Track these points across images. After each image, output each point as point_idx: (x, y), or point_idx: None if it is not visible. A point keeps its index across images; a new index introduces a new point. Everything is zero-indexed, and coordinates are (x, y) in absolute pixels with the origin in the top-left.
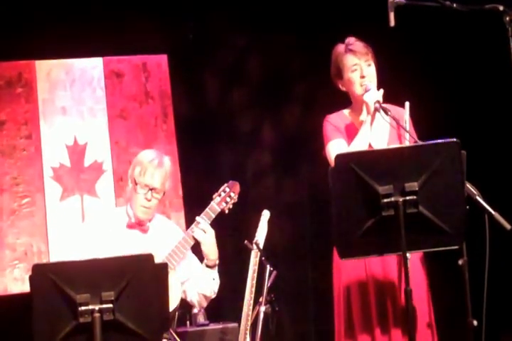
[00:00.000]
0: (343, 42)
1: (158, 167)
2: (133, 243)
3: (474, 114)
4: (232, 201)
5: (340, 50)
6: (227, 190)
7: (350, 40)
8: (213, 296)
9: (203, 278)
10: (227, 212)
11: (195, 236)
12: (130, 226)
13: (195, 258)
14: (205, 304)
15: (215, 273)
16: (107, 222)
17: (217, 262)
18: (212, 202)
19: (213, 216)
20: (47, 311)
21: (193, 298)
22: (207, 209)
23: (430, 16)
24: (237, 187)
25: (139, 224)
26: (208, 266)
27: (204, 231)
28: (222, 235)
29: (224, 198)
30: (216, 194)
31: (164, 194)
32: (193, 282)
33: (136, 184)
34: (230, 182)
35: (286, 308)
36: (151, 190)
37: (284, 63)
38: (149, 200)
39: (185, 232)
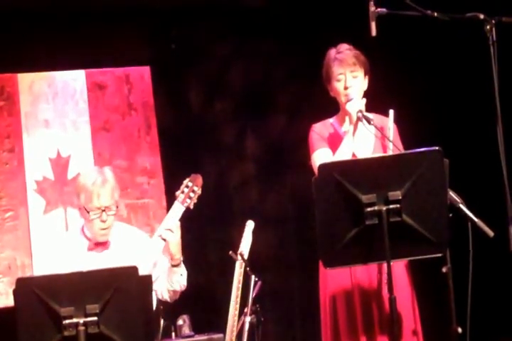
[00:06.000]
0: (336, 46)
1: (102, 186)
2: (96, 263)
3: (457, 122)
4: (196, 195)
5: (330, 56)
6: (190, 184)
7: (341, 47)
8: (183, 289)
9: (171, 277)
10: (192, 207)
11: (162, 237)
12: (91, 248)
13: (163, 258)
14: (177, 297)
15: (182, 270)
16: (65, 249)
17: (181, 259)
18: (175, 202)
19: (179, 215)
20: (31, 325)
21: (165, 295)
22: (171, 210)
23: (414, 25)
24: (200, 179)
25: (101, 244)
26: (173, 266)
27: (171, 230)
28: (207, 246)
29: (187, 194)
30: (179, 191)
31: (117, 206)
32: (163, 281)
33: (87, 211)
34: (192, 175)
35: (271, 318)
36: (103, 210)
37: (268, 73)
38: (105, 221)
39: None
